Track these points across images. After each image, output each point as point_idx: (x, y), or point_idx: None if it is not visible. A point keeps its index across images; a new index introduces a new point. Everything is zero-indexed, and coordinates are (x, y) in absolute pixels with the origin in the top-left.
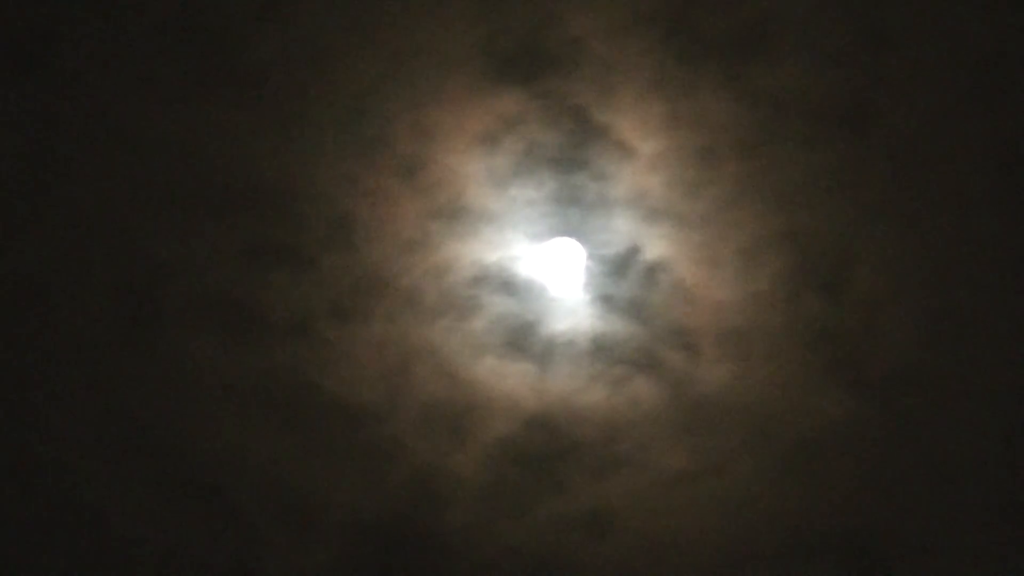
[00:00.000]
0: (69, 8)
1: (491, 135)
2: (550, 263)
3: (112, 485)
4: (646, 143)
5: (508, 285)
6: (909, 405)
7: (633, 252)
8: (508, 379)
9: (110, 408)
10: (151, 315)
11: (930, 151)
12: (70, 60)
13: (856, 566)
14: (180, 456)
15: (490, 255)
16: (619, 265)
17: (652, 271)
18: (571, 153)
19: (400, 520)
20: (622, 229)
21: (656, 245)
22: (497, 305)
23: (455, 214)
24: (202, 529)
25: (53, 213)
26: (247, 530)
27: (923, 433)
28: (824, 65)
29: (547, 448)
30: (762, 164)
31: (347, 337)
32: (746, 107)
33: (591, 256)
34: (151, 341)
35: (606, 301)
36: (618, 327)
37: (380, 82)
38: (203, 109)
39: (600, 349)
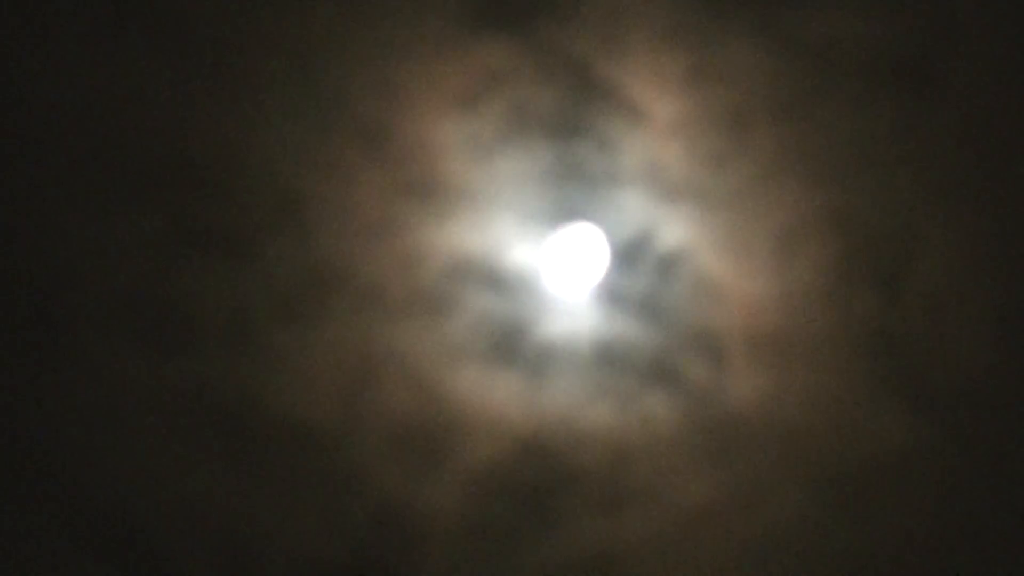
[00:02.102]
0: None
1: (471, 95)
2: (545, 252)
3: (2, 528)
4: (662, 105)
5: (493, 279)
6: (983, 426)
7: (647, 238)
8: (494, 393)
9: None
10: (52, 317)
11: (1009, 114)
12: None
13: None
14: (88, 491)
15: (470, 242)
16: (630, 254)
17: (670, 261)
18: (570, 117)
19: (363, 565)
20: (633, 210)
21: (674, 230)
22: (480, 303)
23: (427, 192)
24: None
25: None
26: None
27: (1000, 460)
28: (879, 8)
29: (541, 477)
30: (803, 130)
31: (296, 342)
32: (784, 60)
33: (595, 244)
34: (52, 349)
35: (613, 298)
36: (628, 330)
37: (334, 29)
38: (114, 64)
39: (606, 357)
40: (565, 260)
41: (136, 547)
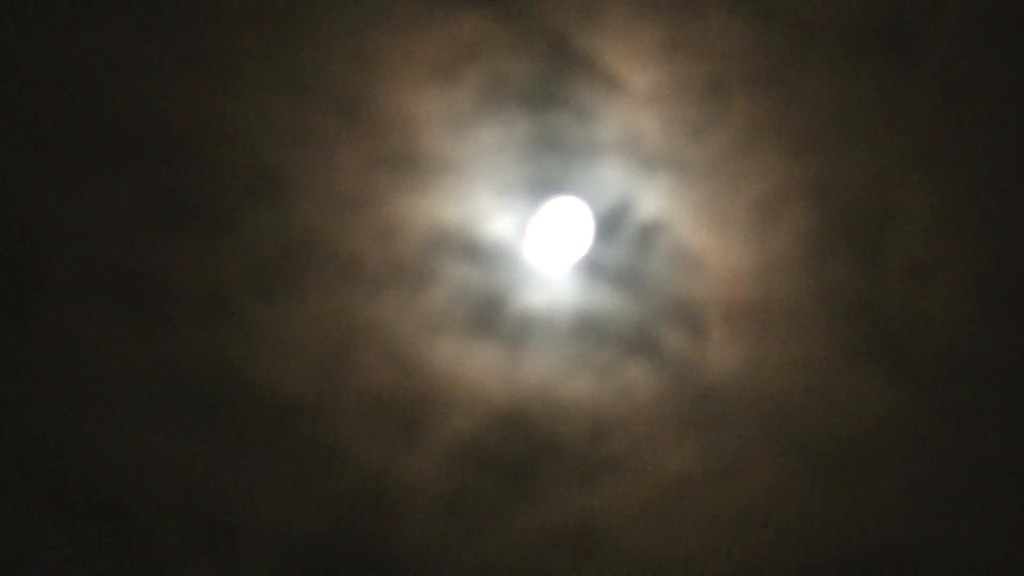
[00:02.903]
0: None
1: (449, 65)
2: (522, 223)
3: None
4: (640, 75)
5: (471, 250)
6: (963, 392)
7: (624, 209)
8: (472, 365)
9: None
10: (27, 289)
11: (987, 83)
12: None
13: None
14: (67, 464)
15: (449, 213)
16: (608, 225)
17: (648, 232)
18: (547, 88)
19: (341, 538)
20: (611, 181)
21: (653, 200)
22: (458, 274)
23: (405, 163)
24: (97, 554)
25: None
26: (155, 554)
27: (981, 427)
28: None
29: (520, 449)
30: (781, 100)
31: (274, 315)
32: (762, 28)
33: (573, 214)
34: (27, 321)
35: (592, 269)
36: (607, 301)
37: (311, 0)
38: (91, 34)
39: (585, 328)
40: (543, 231)
41: (115, 520)
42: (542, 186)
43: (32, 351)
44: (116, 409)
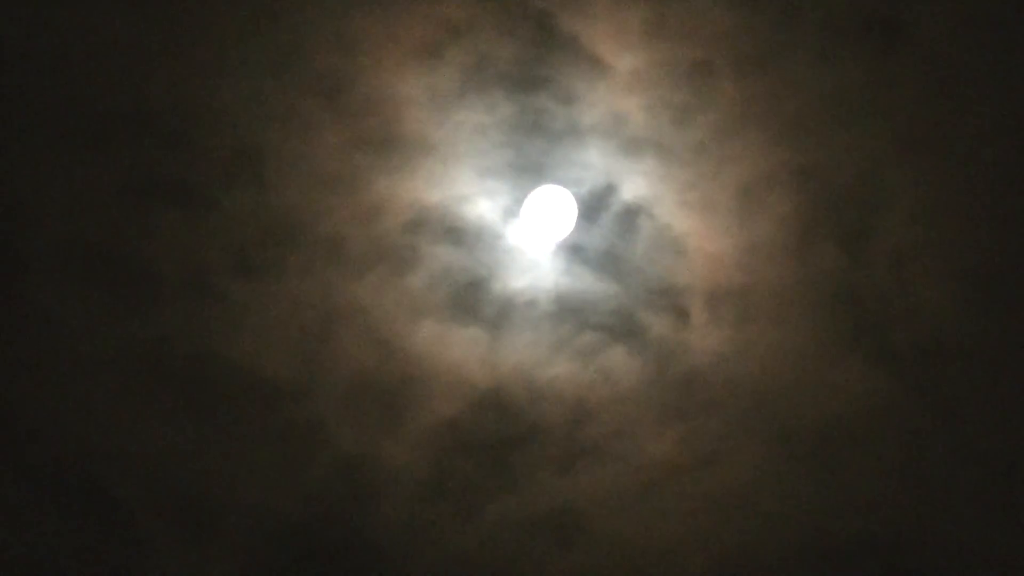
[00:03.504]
0: None
1: (431, 46)
2: (505, 205)
3: None
4: (624, 57)
5: (453, 232)
6: (946, 380)
7: (608, 192)
8: (453, 348)
9: None
10: (8, 269)
11: (973, 69)
12: None
13: None
14: (47, 445)
15: (431, 195)
16: (591, 208)
17: (631, 215)
18: (531, 69)
19: (322, 521)
20: (595, 163)
21: (636, 183)
22: (439, 256)
23: (387, 144)
24: (78, 535)
25: None
26: (134, 535)
27: (963, 414)
28: None
29: (501, 433)
30: (767, 84)
31: (255, 296)
32: (748, 13)
33: (556, 196)
34: (7, 302)
35: (575, 252)
36: (589, 284)
37: None
38: (70, 11)
39: (567, 311)
40: (526, 214)
41: (93, 501)
42: (525, 169)
43: (10, 330)
44: (94, 389)
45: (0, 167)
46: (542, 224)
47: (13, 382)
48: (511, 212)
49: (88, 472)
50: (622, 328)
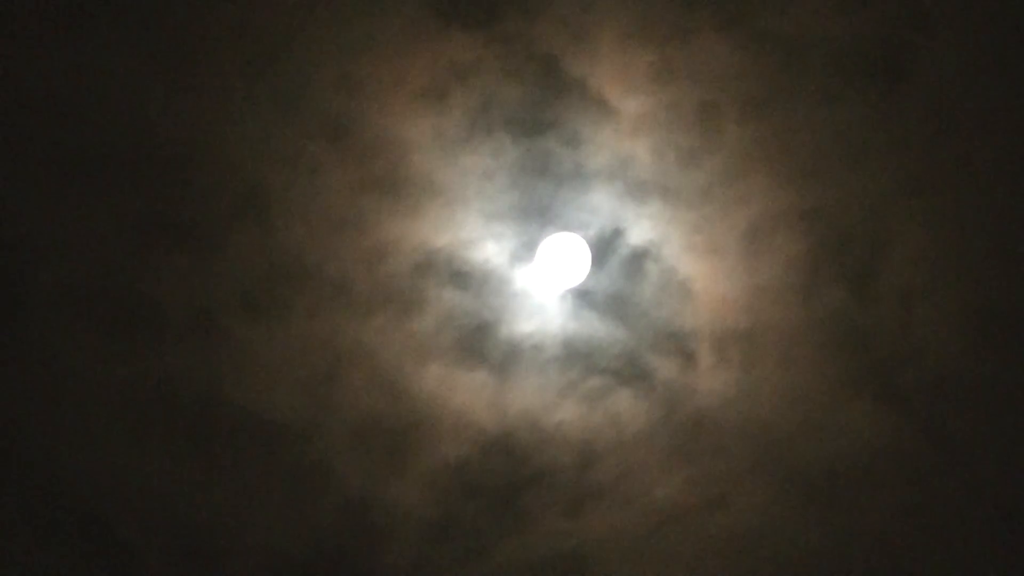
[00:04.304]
0: None
1: (437, 89)
2: (512, 248)
3: None
4: (630, 100)
5: (459, 275)
6: (954, 420)
7: (615, 236)
8: (460, 391)
9: None
10: (13, 307)
11: (979, 108)
12: None
13: None
14: (52, 484)
15: (437, 238)
16: (598, 252)
17: (638, 259)
18: (537, 112)
19: (329, 562)
20: (601, 207)
21: (643, 226)
22: (446, 300)
23: (394, 187)
24: (83, 575)
25: None
26: (139, 575)
27: (972, 454)
28: (848, 2)
29: (508, 476)
30: (773, 126)
31: (261, 337)
32: (753, 55)
33: (563, 240)
34: (13, 340)
35: (582, 296)
36: (596, 328)
37: (301, 21)
38: (77, 51)
39: (574, 355)
40: (531, 257)
41: (98, 541)
42: (531, 212)
43: (16, 369)
44: (100, 429)
45: (6, 206)
46: (548, 268)
47: (18, 421)
48: (518, 256)
49: (93, 512)
50: (629, 372)
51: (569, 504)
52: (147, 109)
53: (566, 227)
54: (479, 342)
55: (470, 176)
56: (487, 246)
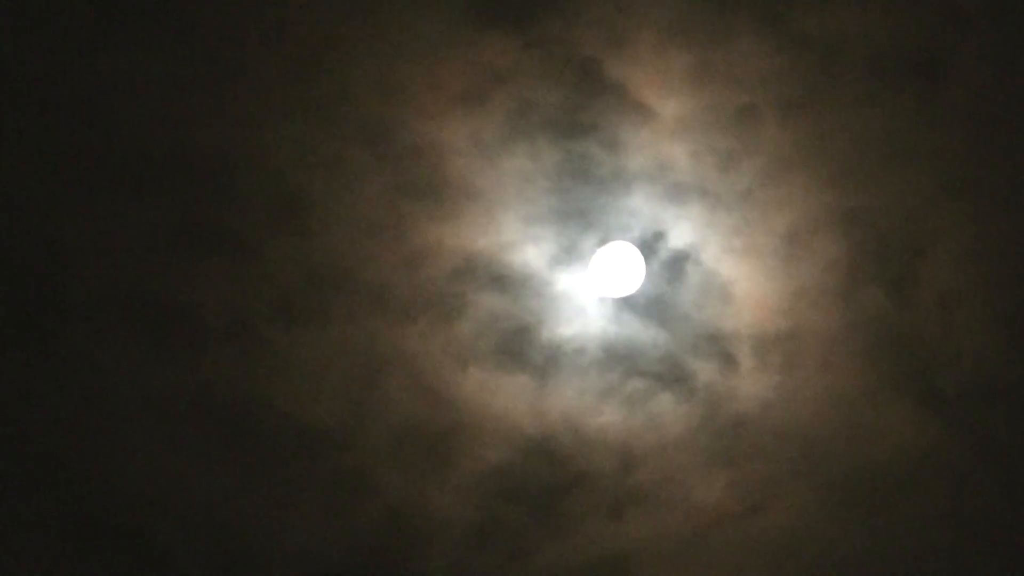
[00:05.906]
0: None
1: (475, 93)
2: (551, 252)
3: (2, 527)
4: (669, 103)
5: (499, 279)
6: (994, 423)
7: (655, 239)
8: (500, 396)
9: None
10: (50, 315)
11: (1020, 110)
12: None
13: None
14: (90, 492)
15: (476, 242)
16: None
17: (678, 262)
18: (576, 115)
19: (369, 569)
20: (640, 210)
21: (682, 229)
22: (486, 304)
23: (432, 191)
24: None
25: None
26: None
27: (1013, 457)
28: (887, 3)
29: (549, 481)
30: (812, 128)
31: (300, 343)
32: (792, 56)
33: (603, 244)
34: (51, 347)
35: (622, 299)
36: (637, 331)
37: (339, 26)
38: (114, 57)
39: (615, 359)
40: (571, 261)
41: (140, 547)
42: (571, 215)
43: (55, 377)
44: (138, 436)
45: (43, 213)
46: (589, 271)
47: (55, 429)
48: (558, 259)
49: (132, 519)
50: (670, 375)
51: (610, 508)
52: (184, 114)
53: (606, 230)
54: (519, 346)
55: (509, 180)
56: (527, 249)
